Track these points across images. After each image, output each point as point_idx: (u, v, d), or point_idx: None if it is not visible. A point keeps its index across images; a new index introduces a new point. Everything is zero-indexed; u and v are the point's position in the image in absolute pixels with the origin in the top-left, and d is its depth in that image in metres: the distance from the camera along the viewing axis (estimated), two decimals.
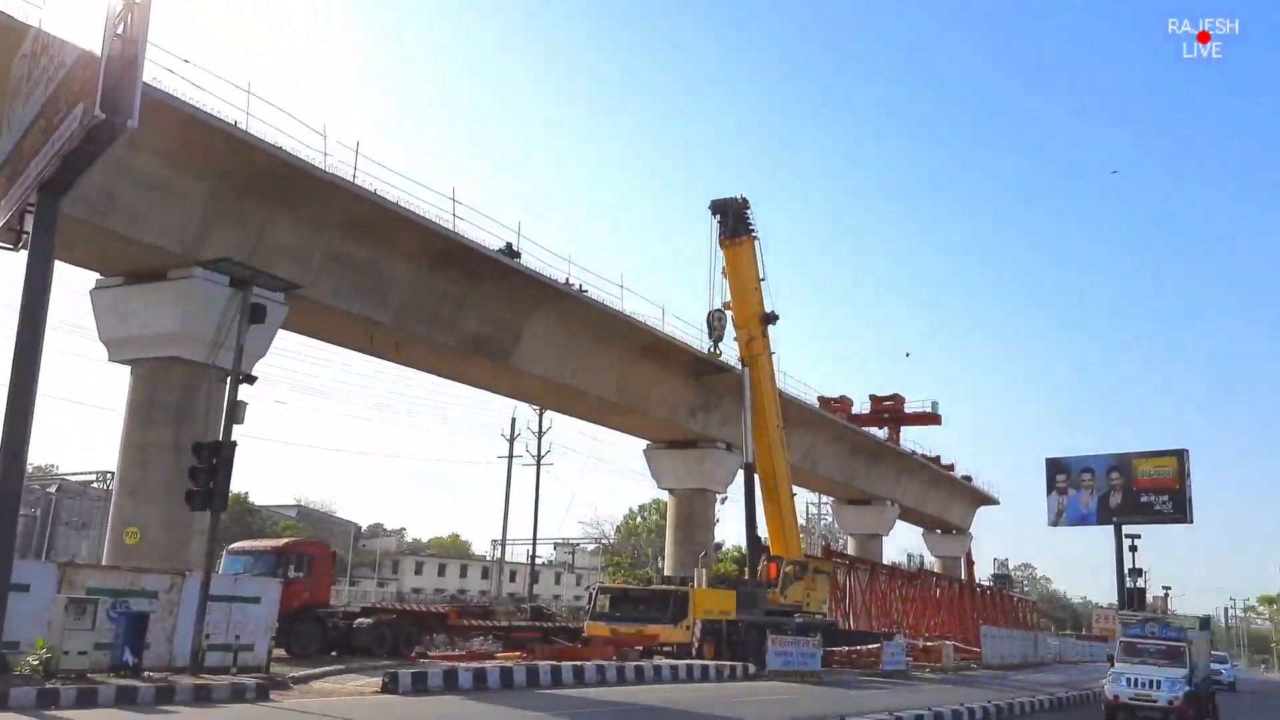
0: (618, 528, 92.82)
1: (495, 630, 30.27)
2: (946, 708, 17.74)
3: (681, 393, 40.99)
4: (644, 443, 45.26)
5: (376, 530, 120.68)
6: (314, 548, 27.25)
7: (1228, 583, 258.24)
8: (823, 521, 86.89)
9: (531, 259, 32.04)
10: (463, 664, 19.59)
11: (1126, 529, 42.18)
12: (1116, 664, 20.37)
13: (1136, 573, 42.71)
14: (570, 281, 33.85)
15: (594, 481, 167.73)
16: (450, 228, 28.17)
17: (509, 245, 31.81)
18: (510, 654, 24.10)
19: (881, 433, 63.60)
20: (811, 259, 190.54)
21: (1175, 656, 19.99)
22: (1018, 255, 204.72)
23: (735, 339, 35.80)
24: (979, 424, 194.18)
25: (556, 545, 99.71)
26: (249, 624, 19.76)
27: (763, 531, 36.36)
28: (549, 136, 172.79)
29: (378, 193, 26.20)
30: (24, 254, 14.87)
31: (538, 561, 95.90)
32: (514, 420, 51.41)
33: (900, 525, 74.36)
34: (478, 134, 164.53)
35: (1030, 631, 62.39)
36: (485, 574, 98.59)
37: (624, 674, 21.15)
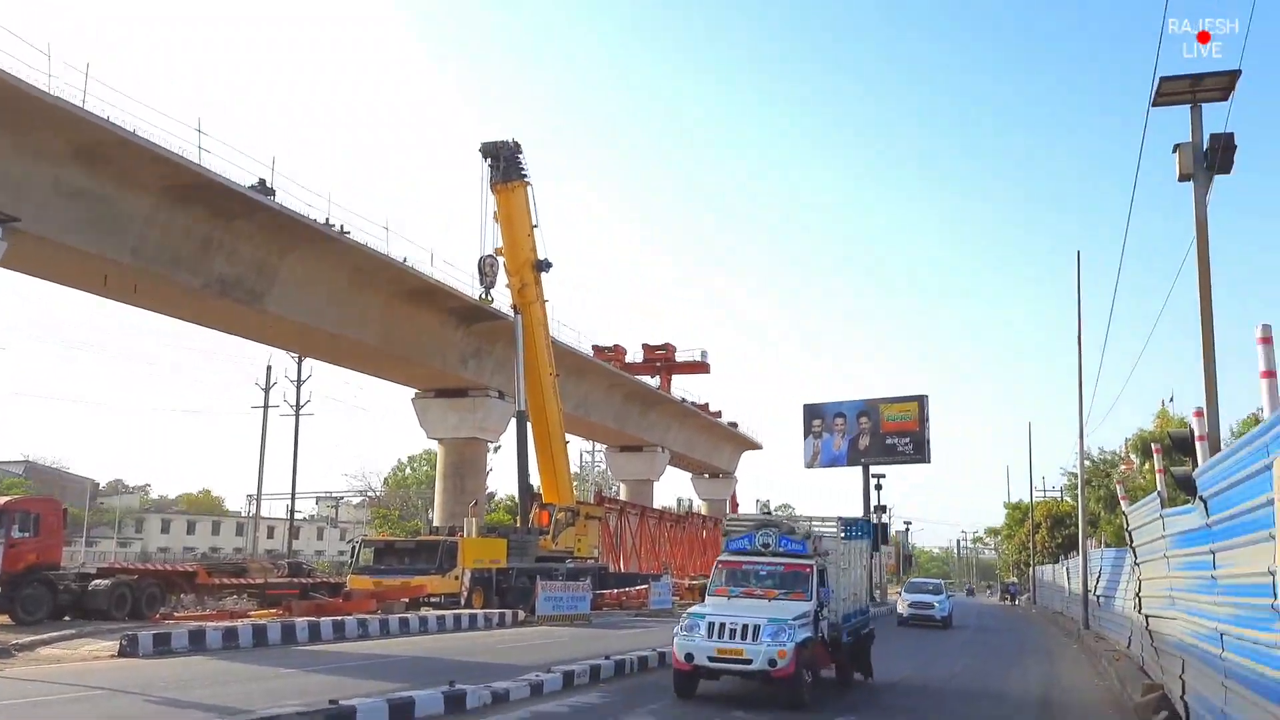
0: (386, 480, 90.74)
1: (250, 588, 28.84)
2: None
3: (452, 340, 40.16)
4: (412, 391, 44.17)
5: (116, 487, 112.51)
6: (41, 505, 24.82)
7: (963, 517, 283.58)
8: (597, 469, 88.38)
9: (288, 198, 30.29)
10: (211, 623, 18.44)
11: (873, 469, 45.22)
12: (707, 600, 13.34)
13: (881, 509, 45.95)
14: (330, 222, 32.26)
15: (359, 432, 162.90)
16: (195, 160, 26.06)
17: (261, 181, 29.88)
18: (265, 612, 22.95)
19: (653, 381, 65.01)
20: (584, 204, 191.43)
21: (794, 584, 12.88)
22: (778, 209, 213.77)
23: (508, 285, 35.35)
24: (745, 374, 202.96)
25: (319, 499, 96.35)
26: None
27: (536, 480, 36.48)
28: (309, 70, 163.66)
29: (110, 119, 23.85)
30: None
31: (299, 517, 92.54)
32: (269, 368, 48.76)
33: (670, 470, 76.73)
34: (233, 64, 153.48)
35: None
36: (240, 531, 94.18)
37: (387, 627, 20.57)
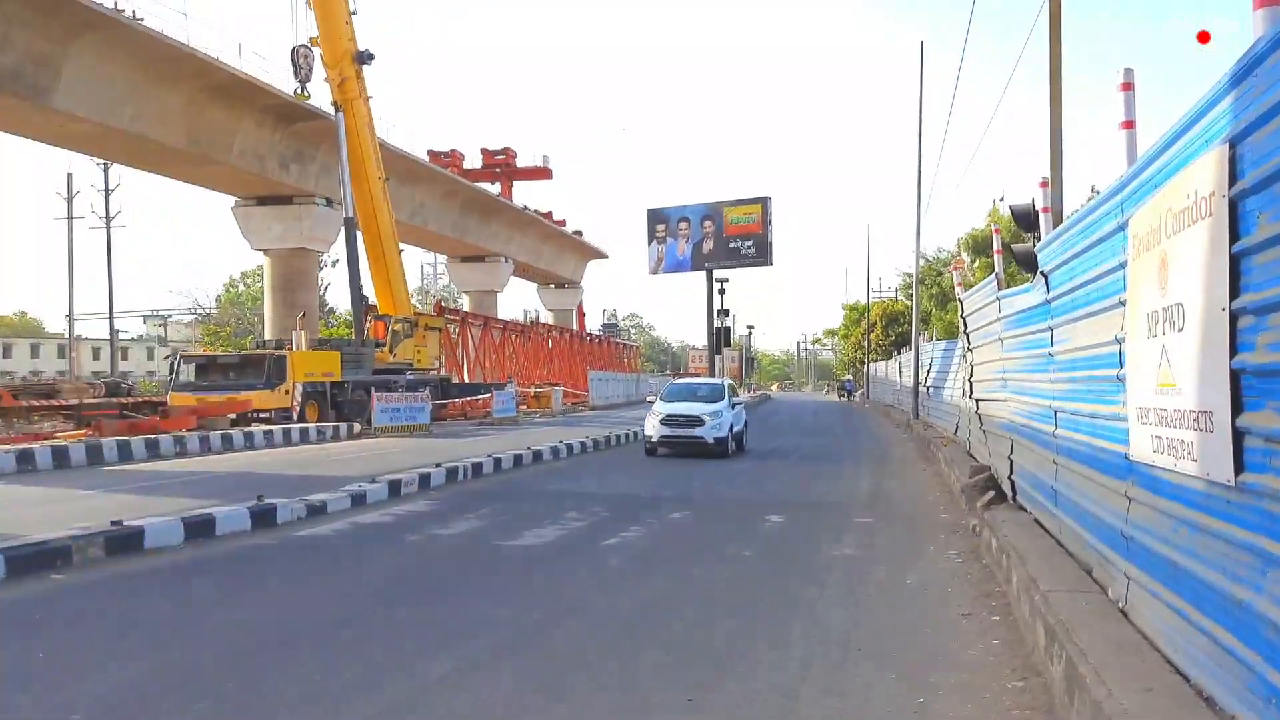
0: (219, 297, 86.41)
1: (63, 410, 27.03)
2: (543, 446, 18.03)
3: (269, 142, 37.20)
4: (233, 200, 41.18)
5: None
6: None
7: (803, 320, 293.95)
8: (440, 281, 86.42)
9: None
10: (5, 446, 16.88)
11: (716, 274, 45.29)
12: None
13: (724, 313, 46.42)
14: (119, 8, 28.63)
15: (182, 246, 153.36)
16: None
17: None
18: (75, 433, 21.35)
19: (494, 188, 62.87)
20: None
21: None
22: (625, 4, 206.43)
23: (326, 80, 32.53)
24: (590, 182, 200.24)
25: (146, 318, 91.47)
26: None
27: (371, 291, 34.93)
28: None
29: None
30: None
31: (126, 337, 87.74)
32: (70, 175, 44.65)
33: (516, 282, 75.60)
34: None
35: (633, 374, 67.26)
36: (62, 353, 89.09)
37: (209, 444, 19.43)
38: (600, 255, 79.78)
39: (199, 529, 8.79)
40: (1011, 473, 9.62)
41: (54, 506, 11.24)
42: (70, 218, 45.28)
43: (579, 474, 15.80)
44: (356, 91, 32.68)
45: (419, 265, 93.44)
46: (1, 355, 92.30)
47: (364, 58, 32.72)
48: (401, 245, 52.31)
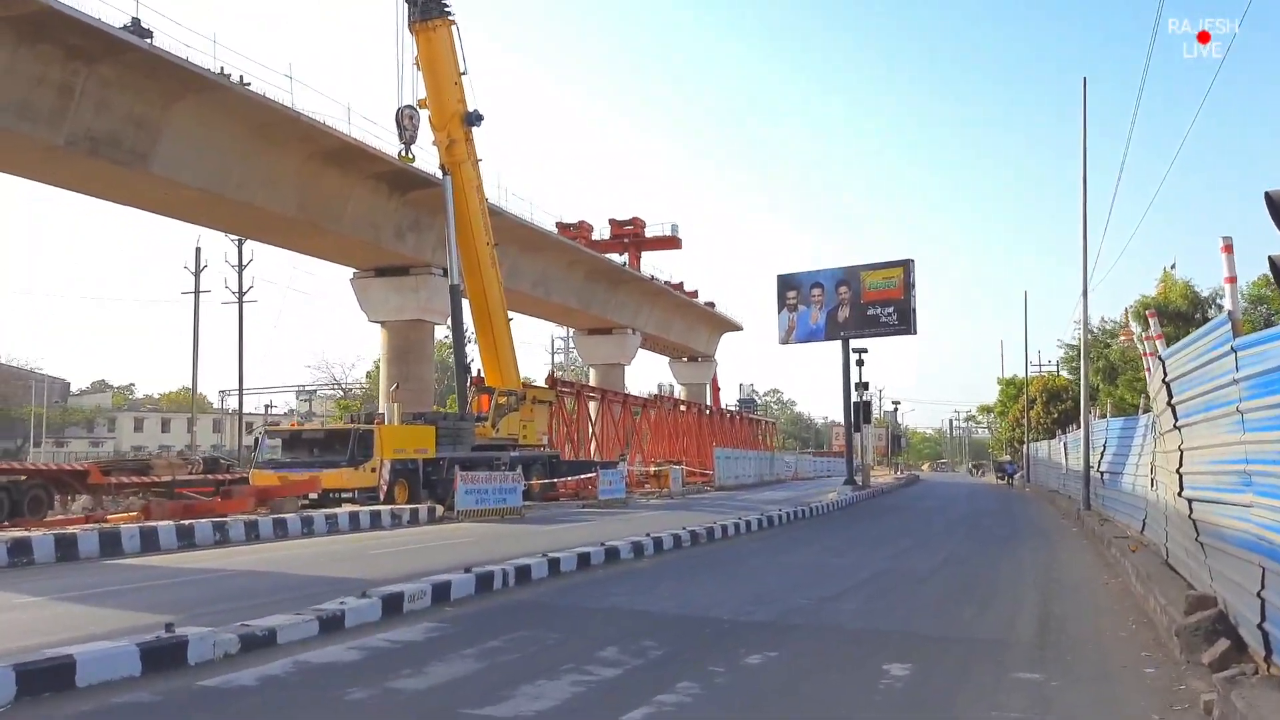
0: (367, 372, 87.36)
1: (155, 486, 25.78)
2: (623, 541, 15.03)
3: (384, 210, 36.14)
4: (351, 271, 40.38)
5: (101, 386, 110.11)
6: None
7: (955, 395, 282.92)
8: (570, 353, 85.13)
9: (168, 39, 26.02)
10: (22, 532, 15.06)
11: (854, 343, 41.69)
12: None
13: (863, 386, 42.65)
14: (225, 72, 27.97)
15: (312, 318, 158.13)
16: None
17: (136, 21, 25.58)
18: (123, 515, 19.65)
19: (622, 259, 61.11)
20: (540, 76, 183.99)
21: None
22: (754, 70, 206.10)
23: (434, 143, 31.20)
24: (720, 249, 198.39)
25: (298, 394, 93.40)
26: None
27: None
28: None
29: None
30: None
31: (277, 412, 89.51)
32: (199, 250, 44.77)
33: (647, 355, 73.47)
34: None
35: (767, 452, 63.58)
36: (216, 427, 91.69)
37: (255, 530, 17.25)
38: (734, 327, 76.88)
39: (44, 680, 6.17)
40: (1264, 619, 6.17)
41: None
42: (197, 291, 45.47)
43: (656, 581, 12.72)
44: (465, 154, 31.22)
45: (549, 338, 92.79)
46: (161, 429, 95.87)
47: (473, 119, 31.29)
48: (525, 316, 50.90)
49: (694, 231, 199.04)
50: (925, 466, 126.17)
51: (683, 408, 56.07)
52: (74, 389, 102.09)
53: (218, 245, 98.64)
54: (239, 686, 6.76)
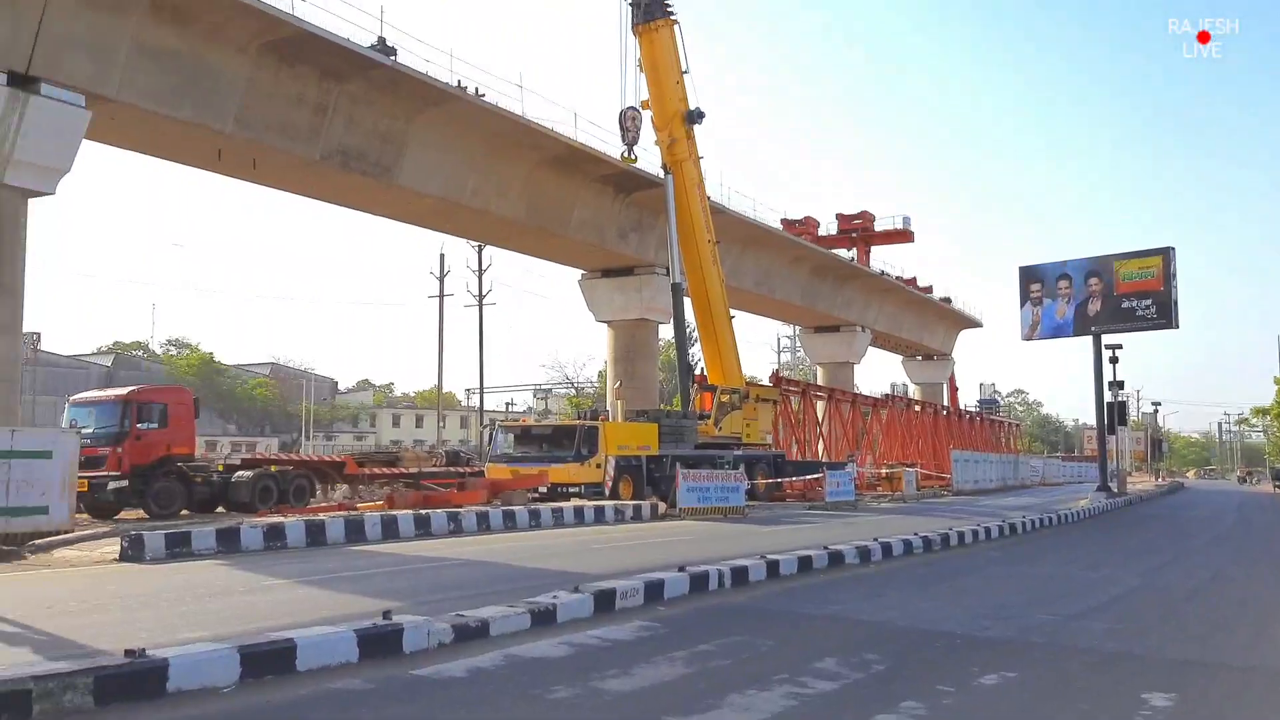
0: (599, 371, 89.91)
1: (403, 478, 27.41)
2: (848, 544, 14.36)
3: (608, 212, 36.76)
4: (579, 272, 41.41)
5: (365, 385, 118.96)
6: (168, 394, 23.85)
7: (1221, 396, 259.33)
8: (797, 353, 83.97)
9: (410, 56, 27.42)
10: (279, 518, 16.20)
11: (1106, 339, 38.61)
12: None
13: (1117, 385, 39.46)
14: (462, 84, 29.24)
15: (542, 318, 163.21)
16: (288, 10, 23.40)
17: (381, 40, 27.12)
18: (371, 504, 20.84)
19: (850, 254, 59.58)
20: (768, 65, 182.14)
21: None
22: (991, 55, 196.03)
23: (656, 143, 31.45)
24: (956, 241, 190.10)
25: (535, 392, 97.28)
26: (39, 482, 16.49)
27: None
28: None
29: None
30: None
31: (517, 409, 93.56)
32: (442, 256, 47.26)
33: (879, 354, 71.29)
34: None
35: (1010, 455, 60.17)
36: (463, 423, 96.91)
37: (487, 522, 17.81)
38: (972, 323, 73.33)
39: (267, 663, 6.40)
40: None
41: (204, 604, 9.54)
42: (441, 295, 48.03)
43: (882, 588, 12.04)
44: (686, 152, 31.29)
45: (774, 336, 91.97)
46: (415, 425, 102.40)
47: (695, 117, 31.30)
48: (749, 314, 50.55)
49: (927, 224, 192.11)
50: (1190, 473, 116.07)
51: (917, 408, 53.95)
52: (341, 388, 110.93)
53: (460, 251, 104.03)
54: (449, 677, 6.79)
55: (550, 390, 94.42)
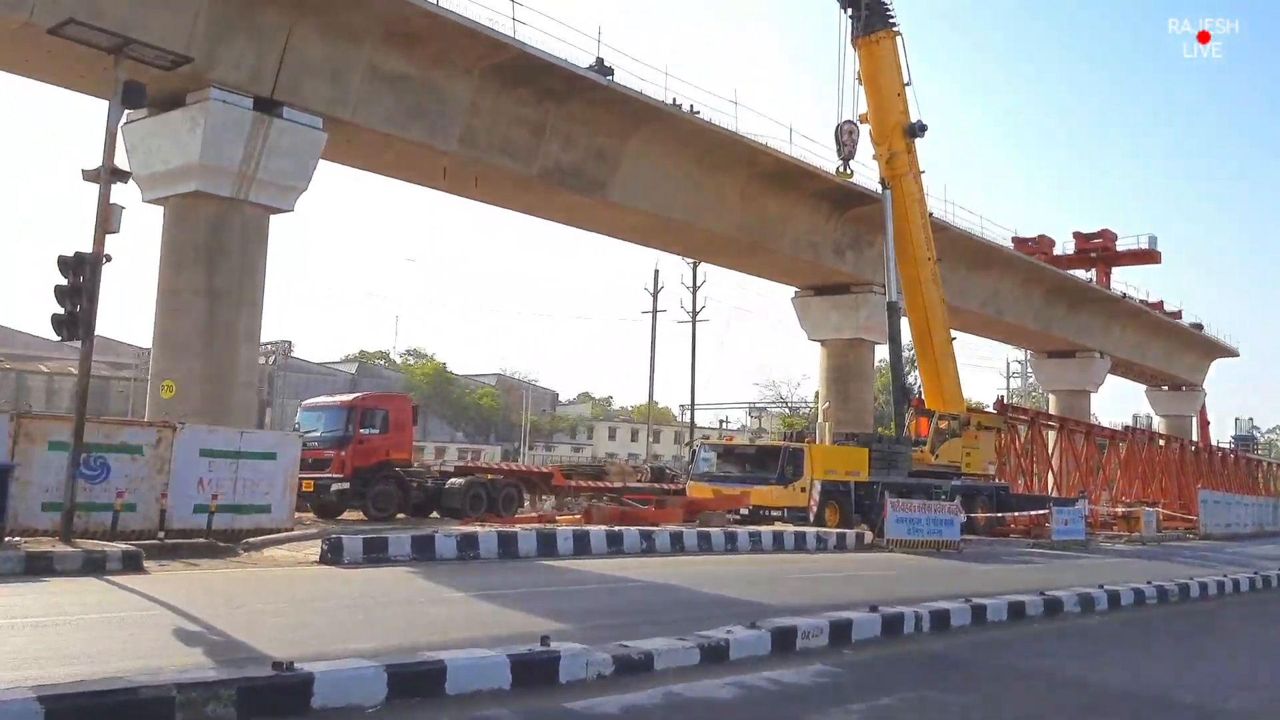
0: (816, 391, 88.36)
1: (608, 491, 27.68)
2: (1069, 591, 13.01)
3: (823, 229, 35.81)
4: (792, 290, 40.64)
5: (585, 398, 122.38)
6: (391, 401, 25.08)
7: None
8: (1028, 379, 79.30)
9: (625, 75, 27.68)
10: (475, 528, 16.49)
11: None
12: None
13: None
14: (677, 102, 29.28)
15: (759, 336, 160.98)
16: (510, 34, 24.11)
17: (600, 60, 27.53)
18: (570, 517, 20.98)
19: (1088, 275, 55.60)
20: (997, 77, 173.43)
21: None
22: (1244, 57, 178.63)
23: (874, 157, 30.31)
24: (1208, 263, 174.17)
25: (749, 410, 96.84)
26: (263, 482, 17.64)
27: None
28: None
29: None
30: None
31: (731, 427, 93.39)
32: (656, 272, 47.58)
33: (1119, 382, 66.18)
34: None
35: (1270, 498, 54.29)
36: (677, 439, 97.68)
37: (680, 542, 17.48)
38: (1227, 352, 66.86)
39: (416, 684, 6.24)
40: None
41: (380, 613, 9.65)
42: (655, 311, 48.40)
43: (1104, 644, 10.78)
44: (905, 167, 29.97)
45: (1003, 360, 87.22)
46: (630, 438, 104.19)
47: (915, 130, 29.97)
48: (974, 337, 48.08)
49: (1177, 244, 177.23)
50: None
51: (1160, 442, 49.56)
52: (562, 399, 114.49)
53: (675, 267, 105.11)
54: (601, 713, 6.44)
55: (765, 409, 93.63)
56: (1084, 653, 10.13)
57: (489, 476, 24.71)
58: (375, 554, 13.56)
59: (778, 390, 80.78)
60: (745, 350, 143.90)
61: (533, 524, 18.67)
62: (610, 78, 27.30)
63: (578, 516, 20.63)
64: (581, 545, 15.85)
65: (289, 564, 13.16)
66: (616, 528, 17.21)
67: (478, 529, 15.90)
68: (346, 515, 21.48)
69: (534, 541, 15.28)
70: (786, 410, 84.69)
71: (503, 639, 7.68)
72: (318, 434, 21.71)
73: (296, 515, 20.43)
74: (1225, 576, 17.20)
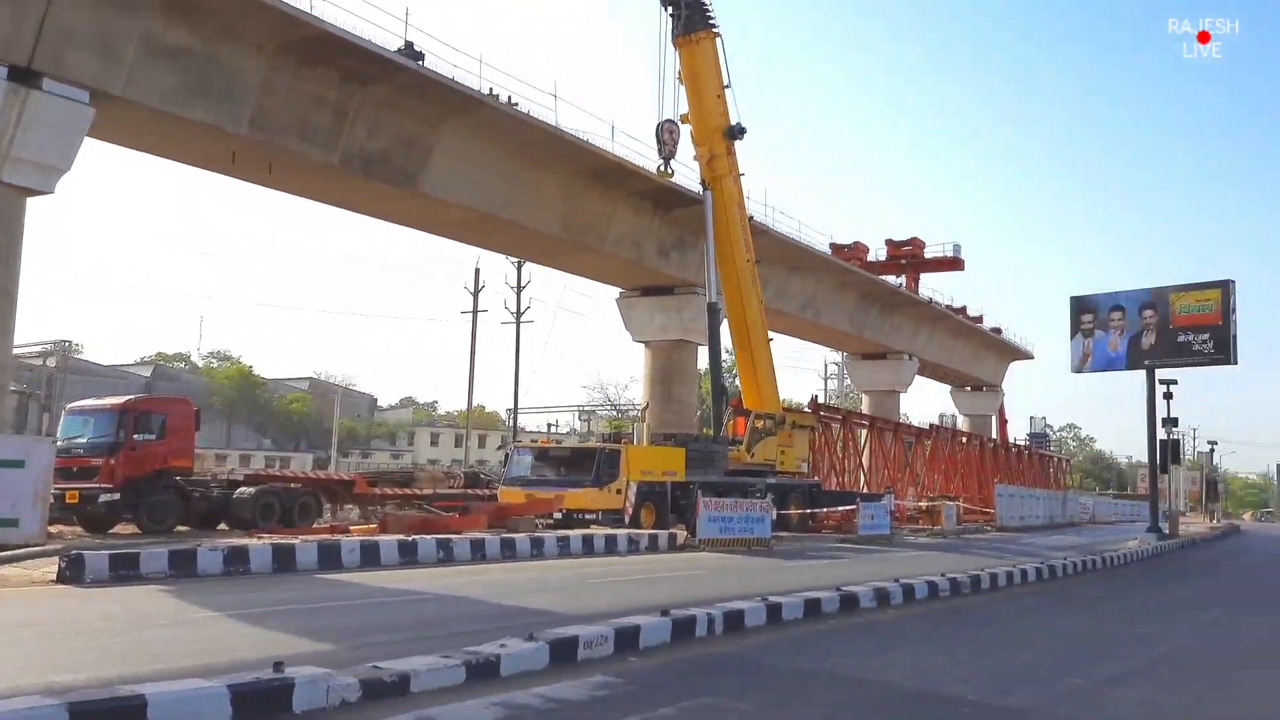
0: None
1: (416, 499, 26.55)
2: (865, 586, 12.98)
3: (647, 229, 35.67)
4: (617, 290, 40.38)
5: (408, 402, 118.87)
6: (167, 405, 23.22)
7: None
8: (845, 380, 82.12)
9: (438, 61, 26.64)
10: (245, 541, 15.23)
11: (1160, 374, 36.61)
12: None
13: (1171, 422, 37.43)
14: (494, 92, 28.41)
15: (587, 338, 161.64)
16: (306, 9, 22.70)
17: (409, 44, 26.37)
18: (364, 527, 19.86)
19: (899, 281, 57.94)
20: (817, 88, 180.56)
21: None
22: (1034, 77, 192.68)
23: (695, 158, 30.34)
24: (1006, 271, 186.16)
25: (579, 413, 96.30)
26: (8, 493, 15.73)
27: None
28: None
29: None
30: None
31: (559, 431, 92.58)
32: (477, 271, 46.45)
33: (929, 384, 69.30)
34: None
35: (1059, 491, 57.93)
36: (503, 444, 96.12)
37: (483, 549, 16.68)
38: (1023, 355, 71.10)
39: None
40: None
41: (104, 639, 8.51)
42: (475, 311, 47.22)
43: (897, 640, 10.70)
44: (726, 169, 30.12)
45: (822, 362, 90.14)
46: (454, 444, 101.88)
47: (735, 132, 30.16)
48: (794, 339, 49.06)
49: (979, 253, 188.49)
50: (1246, 516, 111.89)
51: (963, 440, 52.05)
52: (385, 405, 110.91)
53: (499, 267, 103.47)
54: None
55: (594, 412, 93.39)
56: (875, 649, 9.98)
57: (283, 485, 23.31)
58: (124, 570, 12.15)
59: (606, 393, 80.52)
60: (573, 352, 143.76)
61: (321, 535, 17.48)
62: (420, 62, 26.23)
63: (373, 527, 19.50)
64: (370, 556, 14.81)
65: (20, 583, 11.61)
66: (413, 537, 16.23)
67: (249, 542, 14.63)
68: (120, 529, 19.69)
69: (315, 554, 14.14)
70: (615, 413, 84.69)
71: (245, 664, 6.77)
72: (84, 440, 19.84)
73: (59, 529, 18.61)
74: (1015, 567, 17.76)
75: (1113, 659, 10.17)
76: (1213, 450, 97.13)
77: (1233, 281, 35.77)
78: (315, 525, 21.99)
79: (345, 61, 24.29)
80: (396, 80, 25.61)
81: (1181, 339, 35.65)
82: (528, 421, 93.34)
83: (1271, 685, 9.43)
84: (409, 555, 15.38)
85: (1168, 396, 36.84)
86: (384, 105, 25.99)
